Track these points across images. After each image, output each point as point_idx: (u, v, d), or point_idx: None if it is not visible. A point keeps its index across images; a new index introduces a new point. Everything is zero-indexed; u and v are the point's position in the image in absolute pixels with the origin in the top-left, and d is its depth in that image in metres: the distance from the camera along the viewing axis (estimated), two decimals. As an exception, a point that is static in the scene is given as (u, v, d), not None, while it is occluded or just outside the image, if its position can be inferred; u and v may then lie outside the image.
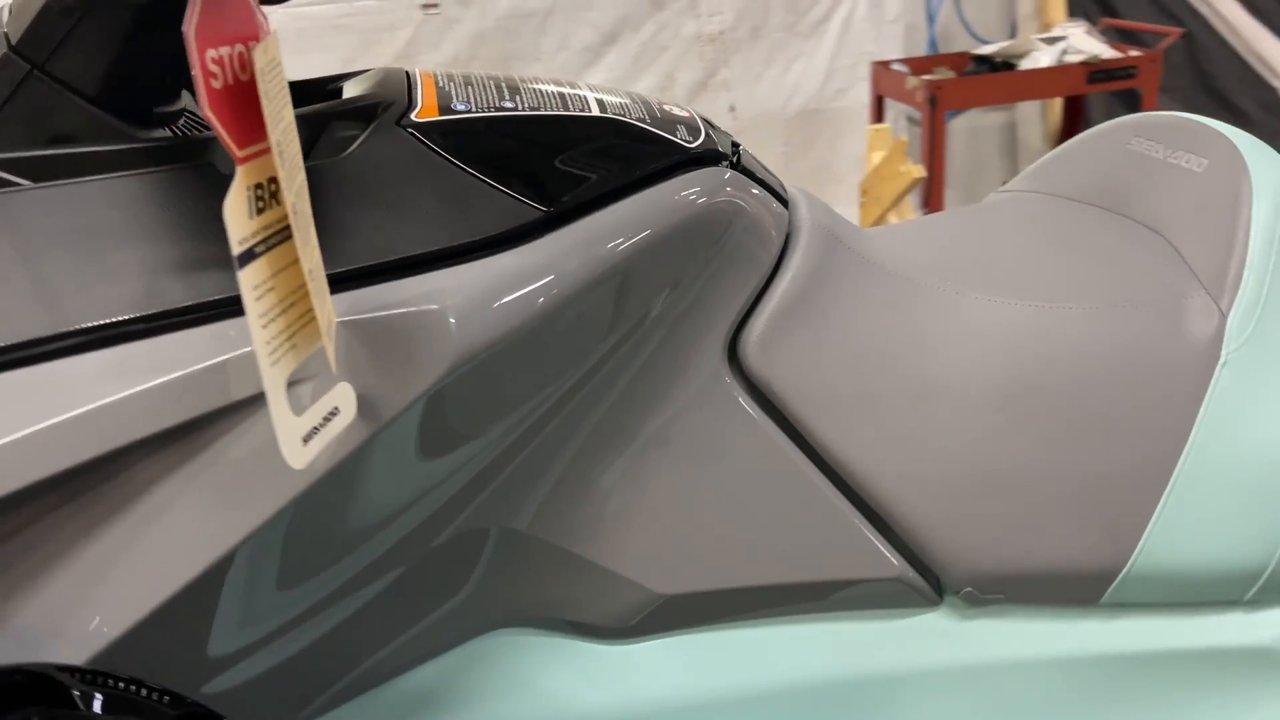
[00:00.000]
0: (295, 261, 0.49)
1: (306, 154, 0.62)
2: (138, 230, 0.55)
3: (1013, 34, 3.41)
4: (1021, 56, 2.79)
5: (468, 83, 0.69)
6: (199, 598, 0.54)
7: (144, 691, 0.48)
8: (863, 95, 3.19)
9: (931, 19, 3.35)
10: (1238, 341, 0.72)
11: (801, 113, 3.21)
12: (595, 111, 0.69)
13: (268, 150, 0.47)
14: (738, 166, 0.72)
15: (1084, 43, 2.83)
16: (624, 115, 0.70)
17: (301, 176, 0.51)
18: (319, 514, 0.58)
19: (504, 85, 0.70)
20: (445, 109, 0.65)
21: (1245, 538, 0.72)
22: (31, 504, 0.50)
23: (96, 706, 0.45)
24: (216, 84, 0.45)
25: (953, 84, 2.67)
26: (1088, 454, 0.72)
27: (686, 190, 0.67)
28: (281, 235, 0.49)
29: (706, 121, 0.75)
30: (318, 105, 0.64)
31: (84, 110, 0.59)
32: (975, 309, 0.75)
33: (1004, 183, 1.02)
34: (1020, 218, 0.91)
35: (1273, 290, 0.73)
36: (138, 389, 0.51)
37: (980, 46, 3.14)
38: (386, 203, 0.60)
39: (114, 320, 0.52)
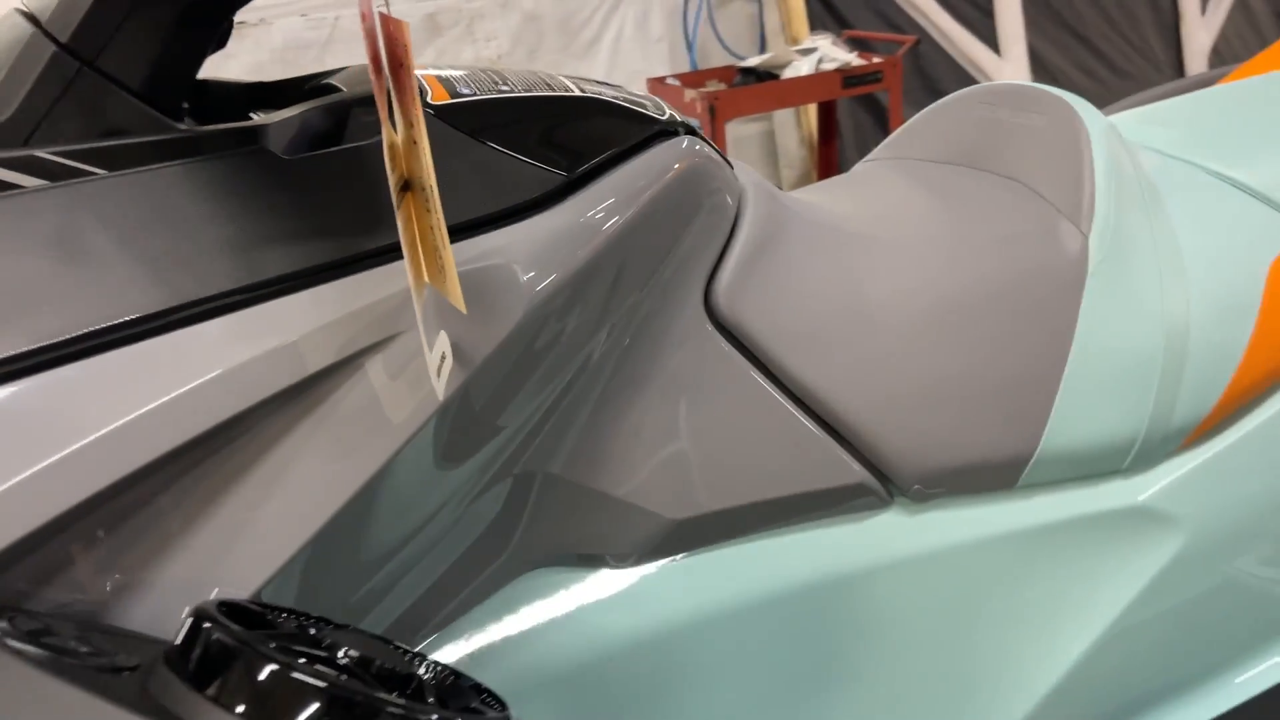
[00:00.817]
0: (417, 217, 0.54)
1: (338, 139, 0.67)
2: (220, 210, 0.58)
3: (763, 48, 3.71)
4: (782, 67, 3.06)
5: (454, 70, 0.75)
6: (323, 546, 0.58)
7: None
8: (636, 111, 3.36)
9: (690, 38, 3.58)
10: (1099, 257, 0.89)
11: (582, 130, 3.35)
12: (578, 93, 0.77)
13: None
14: (697, 136, 0.81)
15: (834, 52, 3.13)
16: (603, 95, 0.78)
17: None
18: (417, 458, 0.62)
19: (491, 73, 0.76)
20: (454, 94, 0.71)
21: (1121, 416, 0.89)
22: (179, 462, 0.52)
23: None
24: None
25: (728, 94, 2.89)
26: (999, 361, 0.86)
27: (671, 156, 0.76)
28: (402, 194, 0.54)
29: (662, 101, 0.85)
30: (340, 94, 0.69)
31: (131, 105, 0.61)
32: (894, 250, 0.88)
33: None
34: (898, 178, 1.06)
35: (1117, 213, 0.91)
36: (259, 352, 0.54)
37: (738, 61, 3.39)
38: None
39: (223, 291, 0.55)
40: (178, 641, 0.44)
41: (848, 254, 0.87)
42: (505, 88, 0.74)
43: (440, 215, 0.51)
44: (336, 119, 0.67)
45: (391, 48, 0.48)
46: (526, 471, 0.72)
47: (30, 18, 0.63)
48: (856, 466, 0.84)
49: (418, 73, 0.76)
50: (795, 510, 0.84)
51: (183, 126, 0.64)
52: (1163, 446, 0.91)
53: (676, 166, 0.76)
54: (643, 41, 3.38)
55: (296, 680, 0.41)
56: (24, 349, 0.50)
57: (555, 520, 0.76)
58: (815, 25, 3.67)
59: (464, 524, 0.70)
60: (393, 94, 0.50)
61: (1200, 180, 1.02)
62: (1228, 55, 4.36)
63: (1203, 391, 0.91)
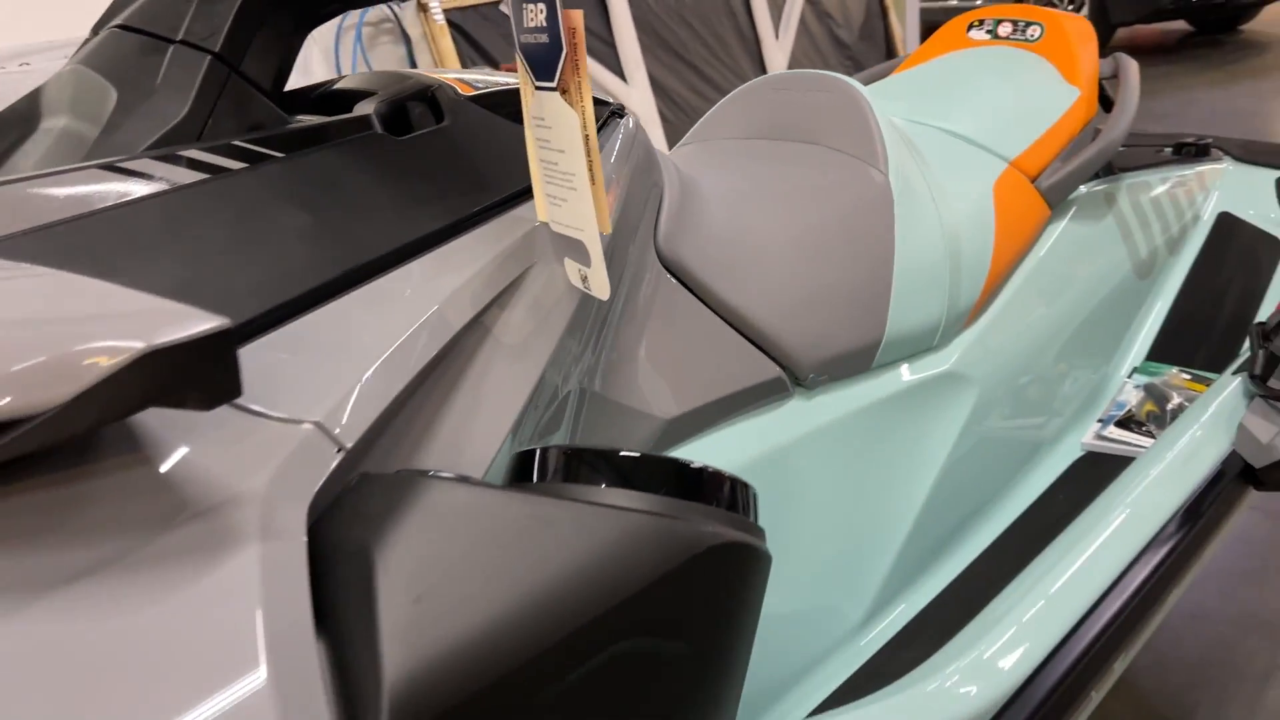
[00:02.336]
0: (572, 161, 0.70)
1: (404, 128, 0.81)
2: (384, 178, 0.71)
3: (417, 88, 3.87)
4: (459, 100, 3.25)
5: (464, 73, 0.90)
6: (522, 421, 0.72)
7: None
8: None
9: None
10: (898, 190, 1.19)
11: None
12: None
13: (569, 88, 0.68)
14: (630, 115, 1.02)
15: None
16: None
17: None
18: (557, 365, 0.77)
19: (476, 75, 0.92)
20: (473, 87, 0.86)
21: (930, 306, 1.20)
22: (435, 367, 0.65)
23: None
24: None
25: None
26: (850, 275, 1.14)
27: (632, 130, 0.96)
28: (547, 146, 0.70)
29: None
30: (394, 90, 0.82)
31: (263, 103, 0.72)
32: (761, 199, 1.13)
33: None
34: (722, 153, 1.31)
35: (900, 157, 1.22)
36: (466, 278, 0.69)
37: None
38: (494, 151, 0.81)
39: (423, 235, 0.69)
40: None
41: (733, 204, 1.11)
42: (502, 84, 0.90)
43: (597, 157, 0.68)
44: (409, 107, 0.81)
45: (568, 27, 0.65)
46: (576, 388, 0.88)
47: (146, 33, 0.72)
48: (771, 365, 1.08)
49: (448, 77, 0.91)
50: (734, 406, 1.06)
51: (300, 119, 0.75)
52: (955, 325, 1.24)
53: (637, 138, 0.96)
54: (305, 79, 3.42)
55: (664, 461, 0.58)
56: (310, 286, 0.62)
57: (586, 429, 0.92)
58: (465, 62, 3.90)
59: (544, 430, 0.86)
60: (568, 63, 0.66)
61: (931, 134, 1.37)
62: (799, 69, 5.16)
63: (973, 281, 1.25)
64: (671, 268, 1.02)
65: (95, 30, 0.81)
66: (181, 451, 0.53)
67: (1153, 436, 1.35)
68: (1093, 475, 1.30)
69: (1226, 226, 1.61)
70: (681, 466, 0.60)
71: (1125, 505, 1.02)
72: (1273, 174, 1.70)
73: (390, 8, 3.85)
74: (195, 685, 0.46)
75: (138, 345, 0.44)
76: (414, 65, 3.89)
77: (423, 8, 3.84)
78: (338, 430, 0.57)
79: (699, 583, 0.56)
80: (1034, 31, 1.58)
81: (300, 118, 0.78)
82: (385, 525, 0.52)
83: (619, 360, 0.95)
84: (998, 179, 1.32)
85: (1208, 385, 1.35)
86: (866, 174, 1.20)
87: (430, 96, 0.83)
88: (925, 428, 1.20)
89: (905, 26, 5.81)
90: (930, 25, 6.49)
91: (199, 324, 0.45)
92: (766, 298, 1.07)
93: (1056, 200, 1.37)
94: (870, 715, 0.87)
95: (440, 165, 0.76)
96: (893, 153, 1.21)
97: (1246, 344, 1.34)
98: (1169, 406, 1.36)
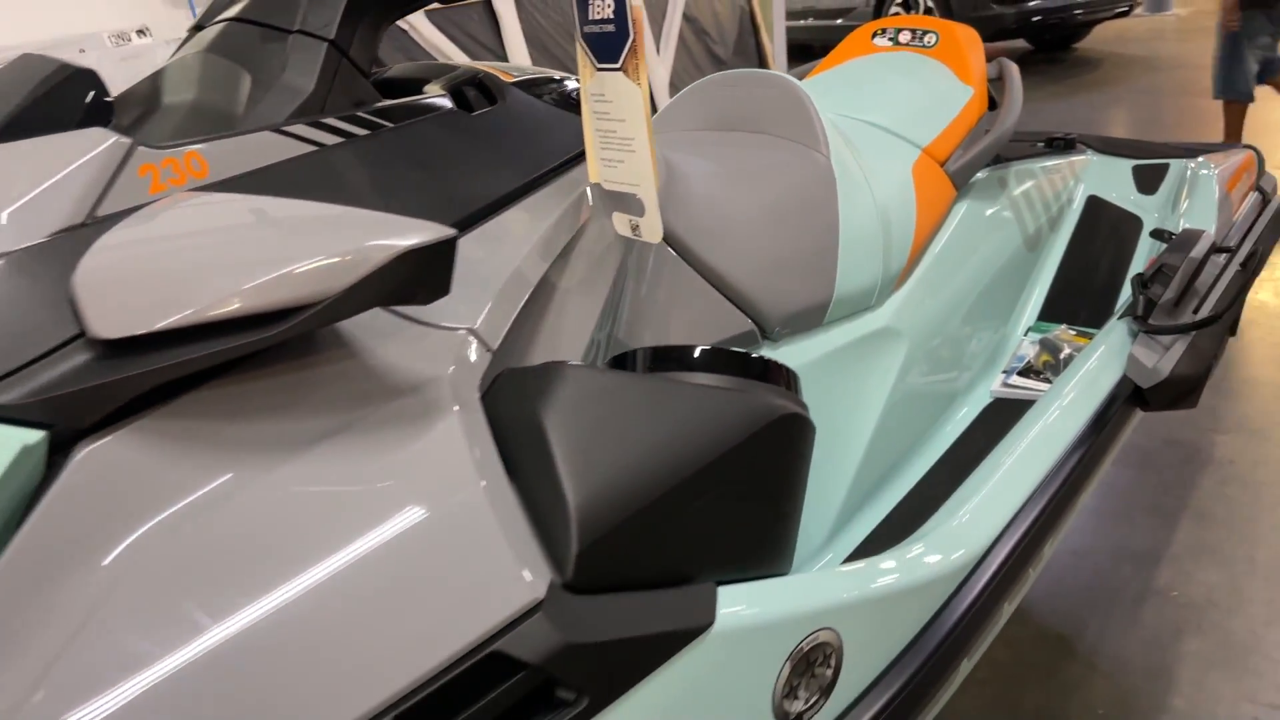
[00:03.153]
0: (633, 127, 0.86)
1: (467, 108, 0.95)
2: (468, 144, 0.85)
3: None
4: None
5: (496, 64, 1.05)
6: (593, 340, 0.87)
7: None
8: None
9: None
10: (838, 171, 1.38)
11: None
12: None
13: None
14: None
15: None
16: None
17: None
18: (611, 292, 0.93)
19: (506, 66, 1.06)
20: (511, 74, 1.01)
21: (869, 269, 1.39)
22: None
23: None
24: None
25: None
26: (805, 242, 1.32)
27: None
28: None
29: None
30: (453, 76, 0.96)
31: (362, 83, 0.86)
32: (725, 177, 1.31)
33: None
34: (682, 141, 1.48)
35: (837, 143, 1.41)
36: (546, 226, 0.84)
37: None
38: (541, 125, 0.96)
39: (508, 192, 0.83)
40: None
41: (707, 180, 1.28)
42: (530, 75, 1.05)
43: (650, 123, 0.84)
44: (466, 90, 0.95)
45: (635, 18, 0.81)
46: (608, 331, 1.03)
47: (265, 24, 0.84)
48: (745, 320, 1.25)
49: (484, 67, 1.05)
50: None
51: (385, 100, 0.89)
52: (888, 287, 1.43)
53: None
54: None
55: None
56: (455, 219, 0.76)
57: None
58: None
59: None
60: (631, 48, 0.82)
61: (855, 125, 1.57)
62: (679, 83, 5.40)
63: (901, 249, 1.45)
64: (667, 237, 1.18)
65: (199, 27, 0.92)
66: (381, 349, 0.67)
67: (1049, 382, 1.58)
68: (1004, 415, 1.52)
69: (1095, 207, 1.87)
70: (748, 357, 0.76)
71: (1043, 426, 1.23)
72: (1128, 163, 1.98)
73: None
74: (430, 509, 0.60)
75: (401, 245, 0.58)
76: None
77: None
78: (486, 337, 0.71)
79: (772, 442, 0.73)
80: (930, 38, 1.80)
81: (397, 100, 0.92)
82: (547, 401, 0.67)
83: (627, 312, 1.10)
84: (915, 163, 1.53)
85: (1090, 339, 1.59)
86: (812, 158, 1.38)
87: (480, 82, 0.97)
88: (868, 374, 1.39)
89: (774, 43, 6.15)
90: (794, 43, 6.86)
91: (435, 233, 0.59)
92: (740, 261, 1.24)
93: (961, 182, 1.59)
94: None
95: (505, 136, 0.91)
96: (832, 138, 1.40)
97: (1126, 294, 1.58)
98: (1061, 356, 1.59)
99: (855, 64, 1.82)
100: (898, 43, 1.84)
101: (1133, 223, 1.84)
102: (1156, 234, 1.58)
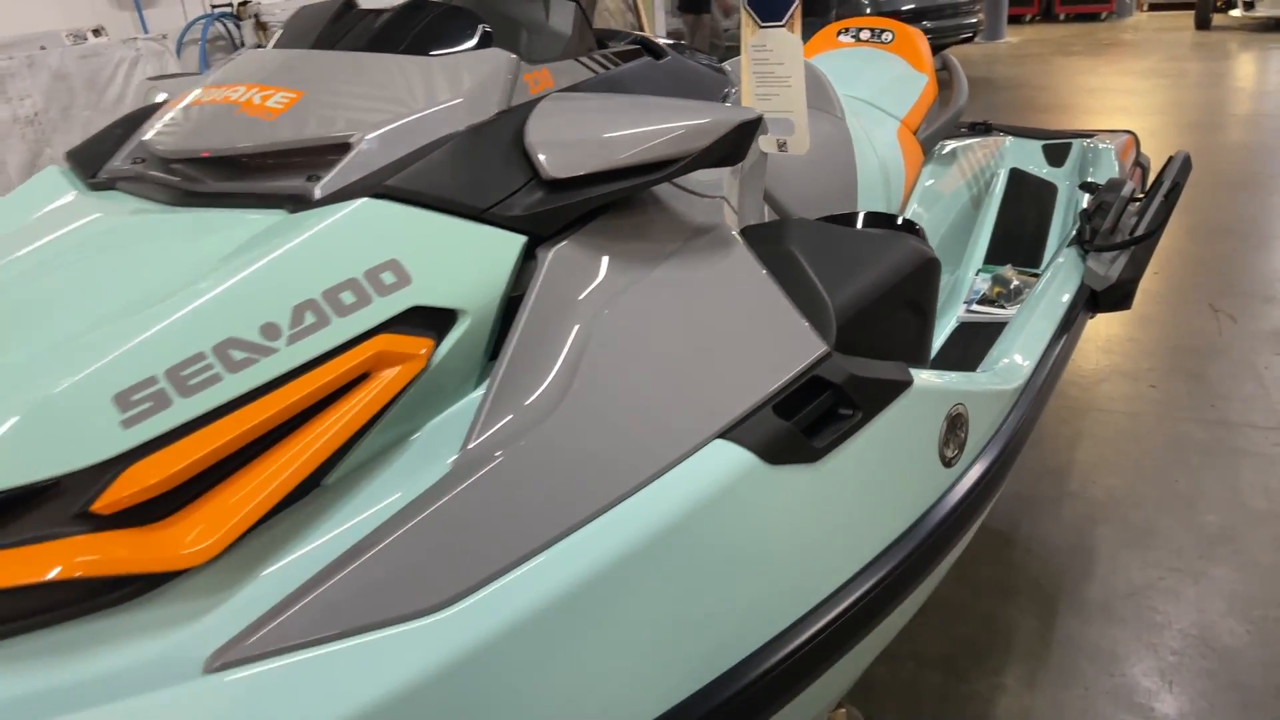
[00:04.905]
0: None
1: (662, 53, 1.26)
2: (671, 81, 1.16)
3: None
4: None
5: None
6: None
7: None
8: (173, 160, 3.56)
9: (202, 92, 3.84)
10: (851, 129, 1.73)
11: (127, 181, 3.45)
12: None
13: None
14: None
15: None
16: None
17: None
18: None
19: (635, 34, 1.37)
20: (636, 42, 1.32)
21: (879, 207, 1.75)
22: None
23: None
24: None
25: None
26: (838, 182, 1.67)
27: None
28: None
29: None
30: (628, 37, 1.27)
31: (589, 33, 1.16)
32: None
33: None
34: None
35: (845, 108, 1.77)
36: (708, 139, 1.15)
37: None
38: (694, 70, 1.27)
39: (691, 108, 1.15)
40: None
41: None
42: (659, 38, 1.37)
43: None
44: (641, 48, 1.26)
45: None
46: None
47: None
48: None
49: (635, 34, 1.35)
50: None
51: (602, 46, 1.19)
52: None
53: None
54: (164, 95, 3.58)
55: None
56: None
57: None
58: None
59: None
60: (797, 6, 1.14)
61: (846, 99, 1.94)
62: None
63: (895, 197, 1.82)
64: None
65: None
66: (683, 204, 0.97)
67: (1003, 309, 1.97)
68: (977, 334, 1.90)
69: (1017, 177, 2.29)
70: (905, 219, 1.09)
71: (1037, 312, 1.61)
72: (1038, 143, 2.42)
73: (227, 27, 4.05)
74: (753, 292, 0.91)
75: (736, 119, 0.88)
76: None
77: (261, 26, 4.06)
78: (730, 201, 1.02)
79: (925, 272, 1.06)
80: (887, 36, 2.19)
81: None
82: (794, 239, 0.98)
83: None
84: (898, 129, 1.90)
85: (1028, 275, 2.00)
86: (834, 121, 1.73)
87: (646, 42, 1.28)
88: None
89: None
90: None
91: (752, 113, 0.90)
92: (791, 194, 1.58)
93: (928, 149, 1.98)
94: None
95: (681, 76, 1.22)
96: (844, 102, 1.76)
97: (1054, 237, 2.01)
98: (1011, 286, 1.99)
99: (827, 55, 2.19)
100: (859, 39, 2.22)
101: (1048, 188, 2.27)
102: (1085, 186, 2.00)
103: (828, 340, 0.96)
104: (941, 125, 1.97)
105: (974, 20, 8.69)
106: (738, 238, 0.98)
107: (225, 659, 0.71)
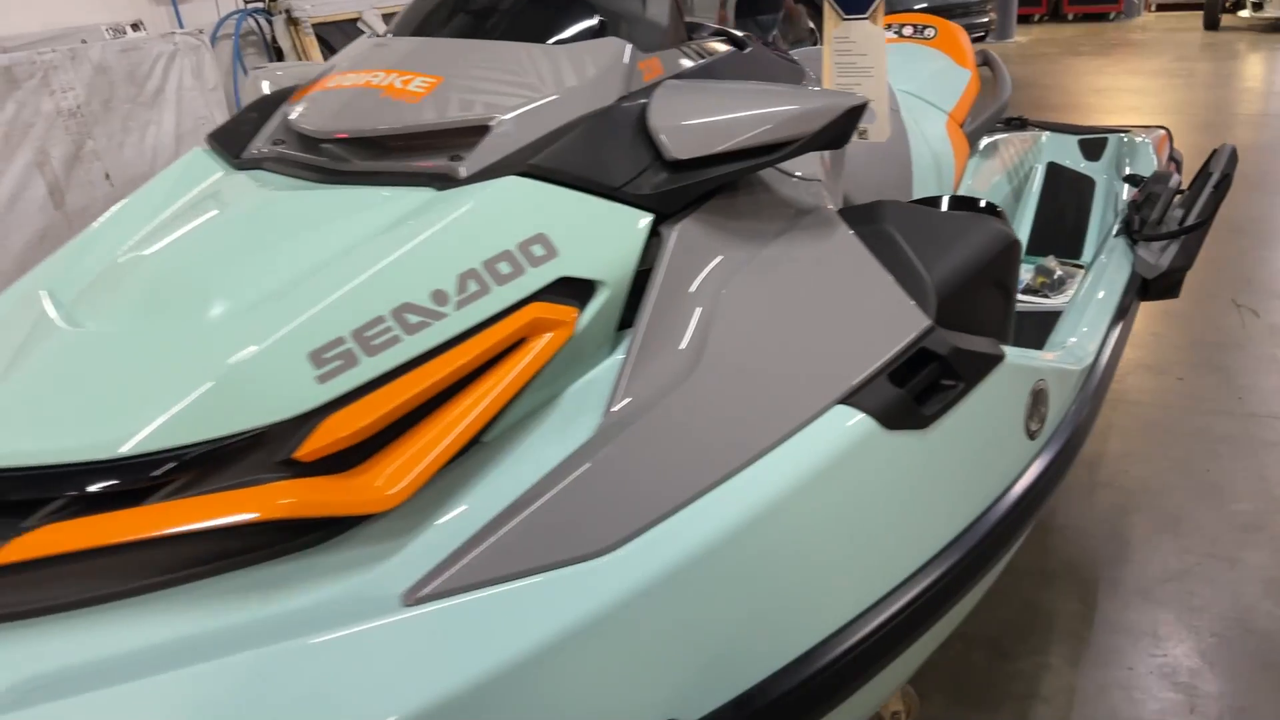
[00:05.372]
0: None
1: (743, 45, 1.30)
2: (762, 69, 1.21)
3: (286, 96, 4.14)
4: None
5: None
6: None
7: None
8: (209, 153, 3.62)
9: (237, 88, 3.89)
10: (906, 122, 1.78)
11: (165, 174, 3.50)
12: None
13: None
14: None
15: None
16: None
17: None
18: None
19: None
20: (727, 40, 1.37)
21: (932, 192, 1.80)
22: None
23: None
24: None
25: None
26: (891, 170, 1.71)
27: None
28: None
29: None
30: (712, 30, 1.32)
31: (683, 25, 1.20)
32: None
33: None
34: None
35: (900, 101, 1.81)
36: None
37: None
38: (773, 60, 1.32)
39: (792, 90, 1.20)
40: None
41: None
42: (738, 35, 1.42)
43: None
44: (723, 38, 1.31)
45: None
46: None
47: None
48: None
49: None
50: None
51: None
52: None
53: None
54: (202, 90, 3.63)
55: None
56: None
57: None
58: (332, 73, 4.20)
59: None
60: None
61: (898, 93, 1.99)
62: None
63: (946, 187, 1.87)
64: None
65: None
66: (786, 186, 1.02)
67: (1048, 298, 2.02)
68: (1023, 322, 1.95)
69: (1055, 170, 2.34)
70: (987, 202, 1.14)
71: (1096, 299, 1.66)
72: (1073, 138, 2.47)
73: (259, 23, 4.10)
74: (861, 269, 0.96)
75: (846, 104, 0.93)
76: (282, 75, 4.16)
77: (293, 22, 4.11)
78: (825, 186, 1.07)
79: (1009, 253, 1.11)
80: (929, 31, 2.24)
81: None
82: (888, 222, 1.03)
83: None
84: (946, 122, 1.95)
85: (1071, 266, 2.04)
86: (890, 114, 1.78)
87: (728, 33, 1.33)
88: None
89: None
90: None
91: (859, 99, 0.95)
92: (859, 187, 1.63)
93: (974, 141, 2.03)
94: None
95: (765, 66, 1.27)
96: (896, 95, 1.81)
97: (1095, 228, 2.07)
98: (1055, 276, 2.03)
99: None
100: (901, 34, 2.27)
101: (1087, 181, 2.32)
102: (1130, 179, 2.05)
103: (929, 315, 1.01)
104: (986, 119, 2.02)
105: (986, 20, 8.74)
106: (839, 218, 1.03)
107: (421, 594, 0.77)
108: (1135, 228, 1.85)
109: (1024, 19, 12.51)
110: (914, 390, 0.97)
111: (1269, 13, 10.17)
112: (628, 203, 0.96)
